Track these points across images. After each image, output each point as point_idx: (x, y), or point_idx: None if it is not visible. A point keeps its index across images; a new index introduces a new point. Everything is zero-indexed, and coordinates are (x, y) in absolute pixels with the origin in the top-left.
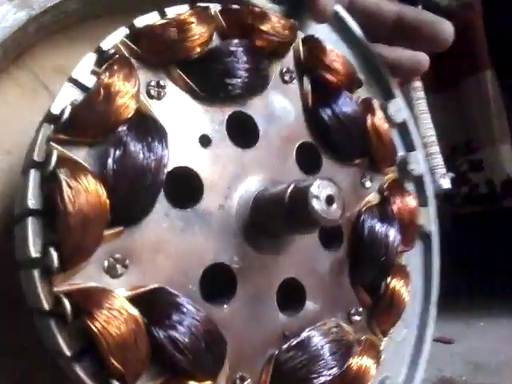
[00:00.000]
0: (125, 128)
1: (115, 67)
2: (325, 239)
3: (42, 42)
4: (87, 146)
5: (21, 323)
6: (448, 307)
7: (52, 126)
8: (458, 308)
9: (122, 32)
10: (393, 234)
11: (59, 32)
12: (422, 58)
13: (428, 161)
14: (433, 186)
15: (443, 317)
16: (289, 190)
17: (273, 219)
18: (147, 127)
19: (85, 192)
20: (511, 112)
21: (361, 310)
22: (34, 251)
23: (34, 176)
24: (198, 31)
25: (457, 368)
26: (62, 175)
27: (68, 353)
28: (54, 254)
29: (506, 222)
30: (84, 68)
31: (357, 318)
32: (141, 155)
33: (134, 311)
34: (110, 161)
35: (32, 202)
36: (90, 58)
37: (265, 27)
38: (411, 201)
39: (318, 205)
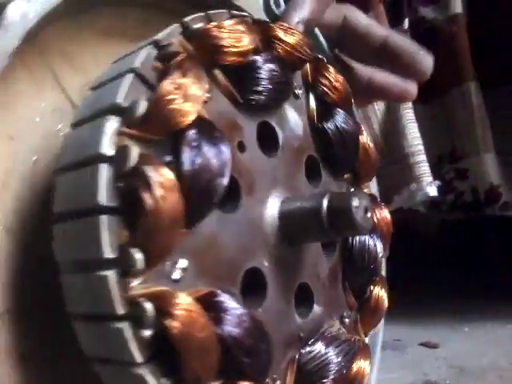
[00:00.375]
0: (196, 129)
1: (185, 66)
2: (322, 246)
3: (53, 25)
4: (149, 143)
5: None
6: (433, 312)
7: (118, 119)
8: (443, 313)
9: (176, 29)
10: (379, 245)
11: (70, 16)
12: (411, 88)
13: (415, 169)
14: (420, 194)
15: (428, 321)
16: (326, 202)
17: (305, 228)
18: (211, 130)
19: (170, 190)
20: (494, 122)
21: (349, 313)
22: (109, 252)
23: (104, 171)
24: (247, 39)
25: (442, 372)
26: (149, 172)
27: (139, 359)
28: (138, 256)
29: (489, 229)
30: (146, 61)
31: (347, 320)
32: (212, 158)
33: (207, 314)
34: (186, 161)
35: (106, 198)
36: (150, 52)
37: (291, 42)
38: (387, 213)
39: (358, 215)
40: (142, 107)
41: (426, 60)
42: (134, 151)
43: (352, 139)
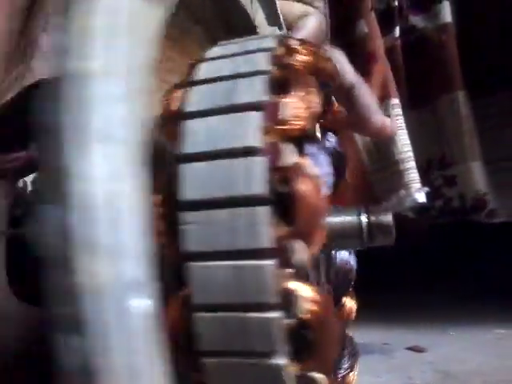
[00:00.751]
0: (311, 140)
1: (306, 80)
2: None
3: None
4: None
5: None
6: (420, 317)
7: (261, 116)
8: (430, 317)
9: (274, 42)
10: (354, 259)
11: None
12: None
13: (404, 176)
14: (409, 200)
15: (417, 325)
16: (364, 217)
17: (344, 237)
18: (317, 141)
19: (320, 185)
20: (482, 131)
21: None
22: (266, 242)
23: (260, 163)
24: (315, 60)
25: (427, 376)
26: (305, 166)
27: (281, 348)
28: (293, 247)
29: (475, 235)
30: (270, 66)
31: None
32: (324, 165)
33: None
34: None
35: (263, 190)
36: (270, 57)
37: (328, 67)
38: None
39: (393, 230)
40: (283, 109)
41: (376, 123)
42: (286, 147)
43: (343, 160)
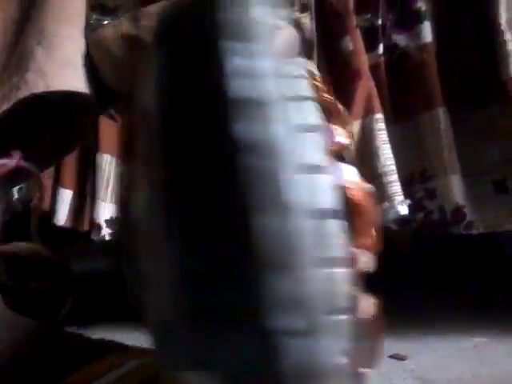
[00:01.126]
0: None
1: (337, 107)
2: None
3: None
4: None
5: None
6: (402, 325)
7: (322, 136)
8: (411, 326)
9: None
10: None
11: None
12: None
13: (388, 188)
14: (391, 212)
15: (397, 334)
16: None
17: None
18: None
19: (372, 201)
20: (460, 146)
21: None
22: (339, 251)
23: (330, 180)
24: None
25: (408, 383)
26: (362, 185)
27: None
28: (365, 256)
29: (456, 246)
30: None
31: None
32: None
33: None
34: None
35: (334, 204)
36: (307, 83)
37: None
38: None
39: None
40: (333, 132)
41: None
42: (345, 165)
43: None
